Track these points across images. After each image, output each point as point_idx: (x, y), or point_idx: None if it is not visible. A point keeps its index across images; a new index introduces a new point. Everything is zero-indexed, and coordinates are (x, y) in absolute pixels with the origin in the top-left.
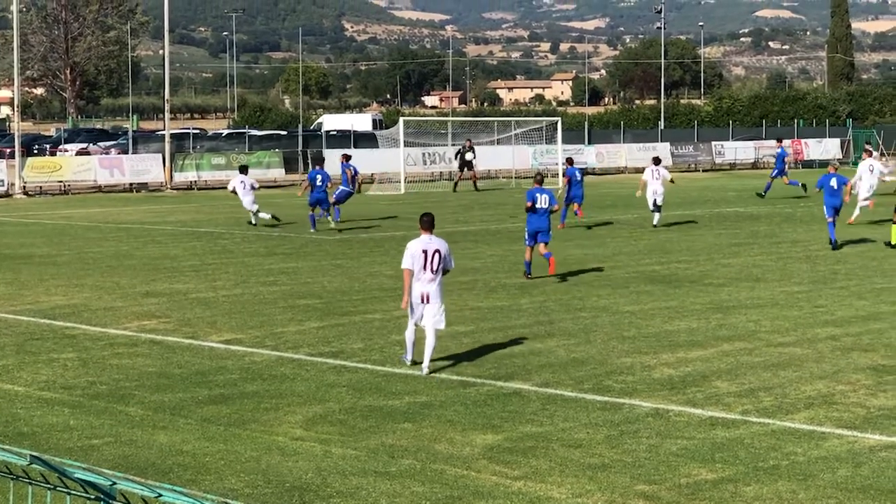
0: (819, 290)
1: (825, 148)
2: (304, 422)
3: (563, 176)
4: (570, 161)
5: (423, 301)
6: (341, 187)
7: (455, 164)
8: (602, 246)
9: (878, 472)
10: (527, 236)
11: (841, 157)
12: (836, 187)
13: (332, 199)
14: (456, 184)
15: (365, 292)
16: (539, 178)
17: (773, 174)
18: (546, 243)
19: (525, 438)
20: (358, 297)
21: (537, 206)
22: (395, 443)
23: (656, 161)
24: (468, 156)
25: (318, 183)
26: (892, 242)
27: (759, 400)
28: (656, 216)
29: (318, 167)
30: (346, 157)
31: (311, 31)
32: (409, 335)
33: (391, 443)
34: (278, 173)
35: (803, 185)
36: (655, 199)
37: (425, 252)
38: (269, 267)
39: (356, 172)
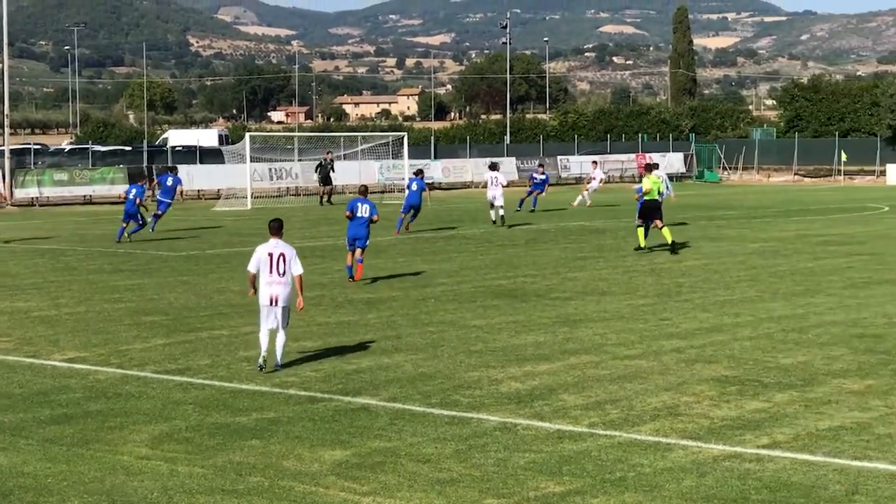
0: (664, 302)
1: (669, 162)
2: (149, 440)
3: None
4: (418, 172)
5: (271, 303)
6: (164, 200)
7: (316, 178)
8: (449, 261)
9: (721, 481)
10: (347, 242)
11: (685, 170)
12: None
13: (158, 212)
14: (322, 197)
15: (212, 308)
16: (363, 189)
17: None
18: (363, 249)
19: (373, 454)
20: (205, 314)
21: (357, 214)
22: (243, 460)
23: (493, 167)
24: (328, 169)
25: (130, 196)
26: (642, 245)
27: (606, 412)
28: (492, 213)
29: (138, 182)
30: (171, 170)
31: (156, 45)
32: (263, 338)
33: (239, 460)
34: (123, 189)
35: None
36: (493, 202)
37: (271, 255)
38: (113, 284)
39: (178, 183)
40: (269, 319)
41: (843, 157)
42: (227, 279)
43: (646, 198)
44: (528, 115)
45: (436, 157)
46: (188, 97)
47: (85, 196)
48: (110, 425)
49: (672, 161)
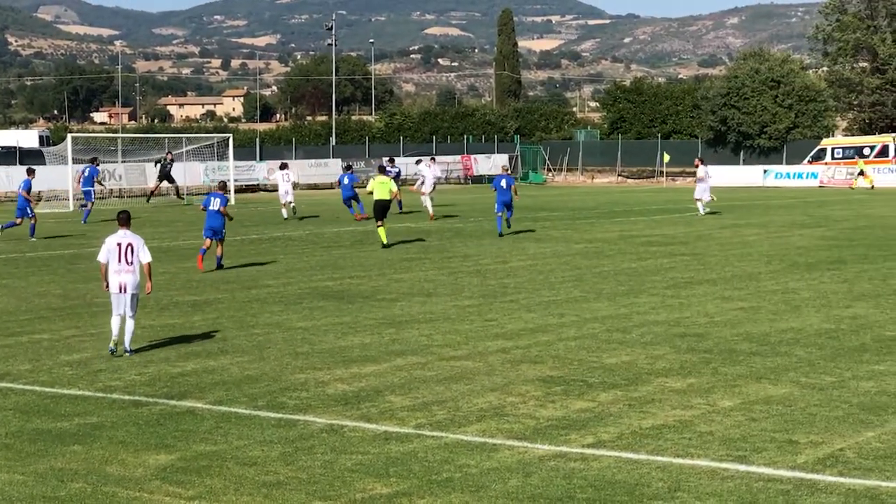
0: (490, 303)
1: (494, 163)
2: None
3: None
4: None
5: (120, 291)
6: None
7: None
8: (275, 262)
9: (547, 480)
10: (204, 233)
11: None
12: (505, 186)
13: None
14: (151, 194)
15: (33, 312)
16: (221, 184)
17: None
18: (221, 241)
19: (199, 458)
20: (25, 317)
21: (209, 208)
22: (65, 466)
23: (283, 166)
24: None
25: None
26: (385, 243)
27: (433, 413)
28: (284, 211)
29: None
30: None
31: None
32: (115, 324)
33: (60, 466)
34: None
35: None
36: (284, 199)
37: (119, 245)
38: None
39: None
40: (119, 306)
41: (666, 158)
42: (47, 282)
43: (377, 198)
44: (353, 117)
45: (261, 159)
46: (7, 97)
47: None
48: None
49: (497, 162)
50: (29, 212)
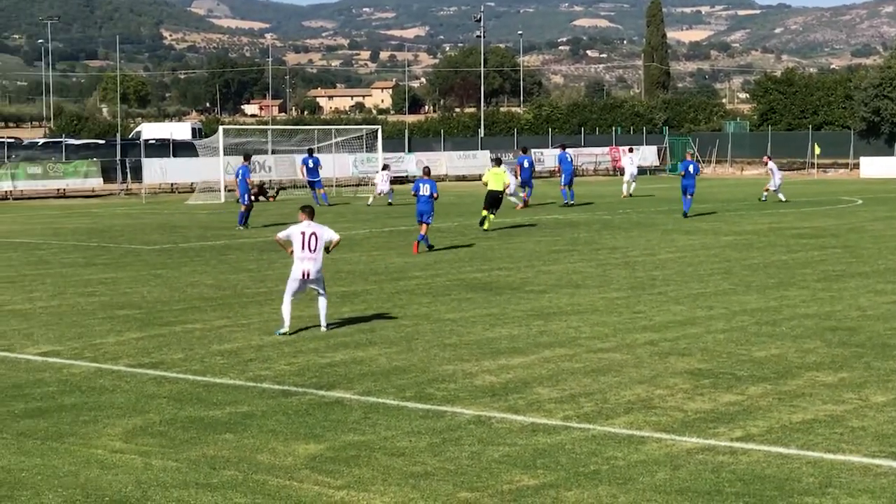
0: (638, 295)
1: (643, 155)
2: (123, 434)
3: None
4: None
5: (303, 277)
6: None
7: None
8: (423, 254)
9: (695, 474)
10: (416, 217)
11: (658, 163)
12: (692, 172)
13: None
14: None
15: (185, 302)
16: (426, 170)
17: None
18: (427, 224)
19: (347, 447)
20: (178, 307)
21: (420, 193)
22: (217, 454)
23: (384, 167)
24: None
25: (240, 177)
26: (486, 228)
27: (580, 405)
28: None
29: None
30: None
31: (129, 39)
32: (286, 309)
33: (212, 454)
34: (96, 182)
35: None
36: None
37: (303, 234)
38: (87, 277)
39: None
40: (297, 291)
41: (817, 150)
42: (200, 272)
43: (490, 189)
44: (502, 109)
45: (410, 151)
46: (161, 90)
47: (59, 189)
48: (84, 419)
49: (646, 154)
50: (245, 199)
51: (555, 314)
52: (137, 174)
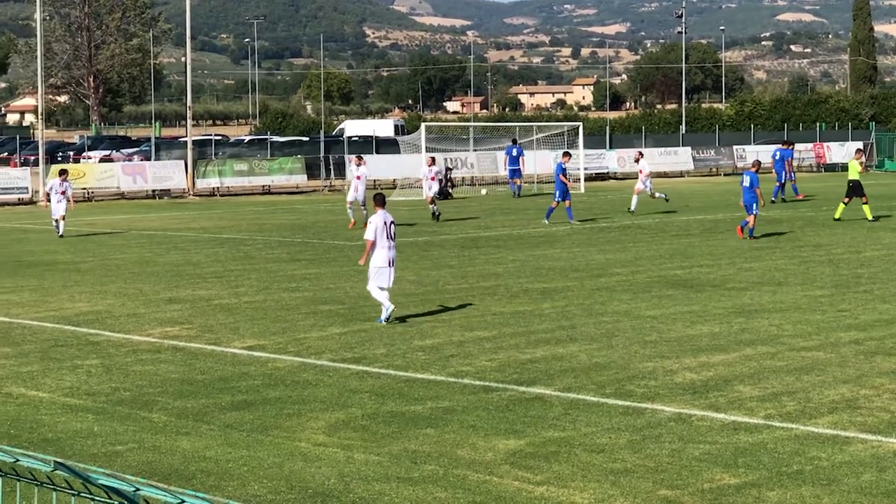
0: (842, 293)
1: (847, 151)
2: (326, 428)
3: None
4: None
5: (389, 265)
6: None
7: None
8: (624, 251)
9: None
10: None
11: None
12: None
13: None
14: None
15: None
16: (756, 163)
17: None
18: (753, 215)
19: (547, 443)
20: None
21: (743, 184)
22: (418, 448)
23: (431, 162)
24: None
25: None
26: (869, 218)
27: (783, 404)
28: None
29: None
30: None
31: (333, 37)
32: (379, 295)
33: (414, 448)
34: (301, 179)
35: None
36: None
37: (385, 223)
38: (291, 273)
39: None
40: (383, 279)
41: None
42: (401, 269)
43: (849, 178)
44: (703, 105)
45: (611, 147)
46: (364, 88)
47: (264, 186)
48: (288, 412)
49: (851, 150)
50: (559, 195)
51: (756, 312)
52: (340, 171)
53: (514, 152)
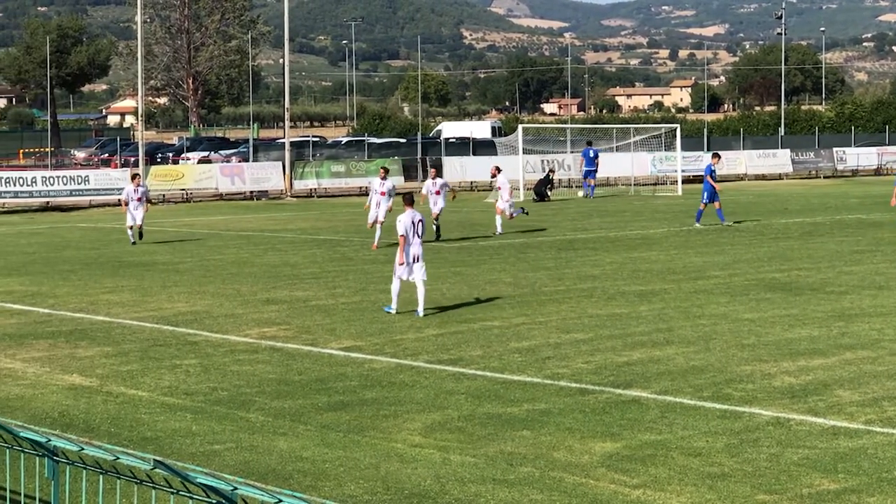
0: None
1: None
2: (422, 429)
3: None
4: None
5: (415, 260)
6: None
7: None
8: (722, 253)
9: None
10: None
11: None
12: None
13: None
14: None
15: (483, 299)
16: None
17: None
18: None
19: (644, 446)
20: (476, 305)
21: None
22: (514, 450)
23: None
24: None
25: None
26: None
27: (884, 410)
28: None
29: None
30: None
31: (430, 38)
32: (397, 288)
33: (510, 450)
34: (398, 181)
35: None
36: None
37: (414, 222)
38: (388, 274)
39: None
40: (411, 273)
41: None
42: (498, 270)
43: None
44: (803, 107)
45: (709, 150)
46: (461, 89)
47: (361, 188)
48: (385, 413)
49: None
50: (706, 197)
51: (857, 315)
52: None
53: (591, 153)
